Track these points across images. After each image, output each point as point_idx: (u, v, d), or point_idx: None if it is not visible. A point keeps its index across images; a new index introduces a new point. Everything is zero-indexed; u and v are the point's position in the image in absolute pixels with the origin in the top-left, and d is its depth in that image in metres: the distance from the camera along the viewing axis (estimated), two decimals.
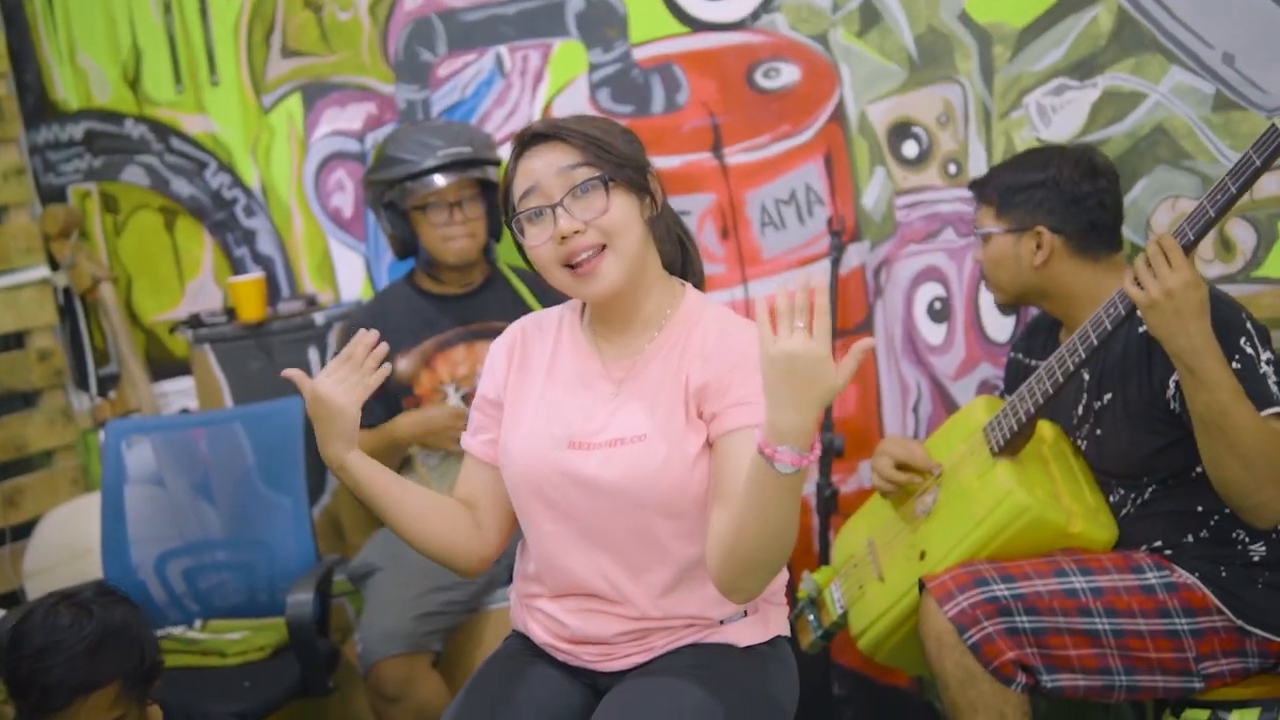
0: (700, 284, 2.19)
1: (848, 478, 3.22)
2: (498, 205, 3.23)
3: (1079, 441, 2.54)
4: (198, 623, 3.28)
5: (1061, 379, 2.35)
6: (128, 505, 3.38)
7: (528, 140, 2.02)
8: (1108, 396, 2.45)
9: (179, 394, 3.95)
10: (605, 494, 1.99)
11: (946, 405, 3.11)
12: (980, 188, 2.65)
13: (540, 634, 2.12)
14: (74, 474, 4.01)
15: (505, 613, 3.19)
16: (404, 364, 3.26)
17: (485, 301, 3.32)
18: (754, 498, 1.76)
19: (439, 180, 3.17)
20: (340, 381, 2.04)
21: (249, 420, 3.34)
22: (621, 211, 1.98)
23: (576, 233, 1.95)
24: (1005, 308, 2.87)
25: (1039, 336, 2.71)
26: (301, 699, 3.02)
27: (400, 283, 3.39)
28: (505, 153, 2.11)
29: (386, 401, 3.25)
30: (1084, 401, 2.51)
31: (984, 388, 3.07)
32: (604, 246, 1.97)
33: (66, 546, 3.71)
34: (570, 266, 1.97)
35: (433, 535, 2.11)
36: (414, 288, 3.35)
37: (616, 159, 1.98)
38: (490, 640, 3.18)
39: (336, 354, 3.32)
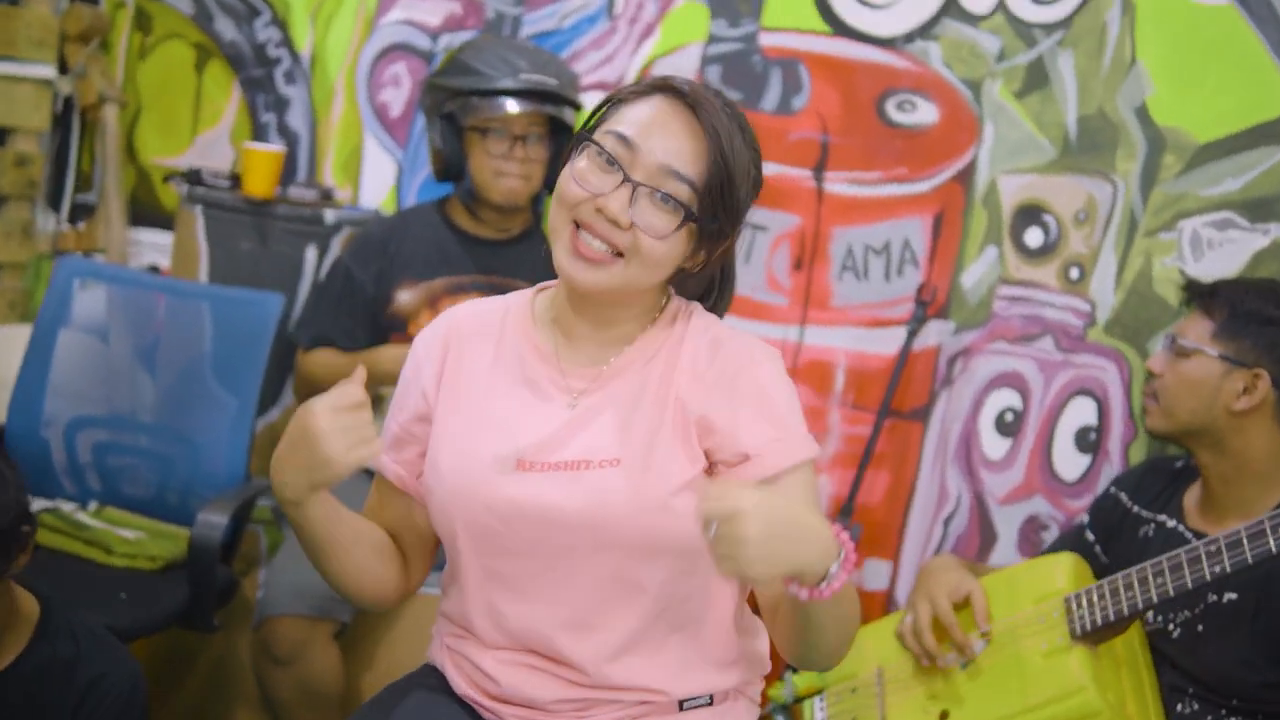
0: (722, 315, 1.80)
1: (856, 573, 2.83)
2: (563, 155, 2.86)
3: (1172, 628, 2.15)
4: (92, 504, 2.88)
5: (1191, 585, 1.97)
6: (58, 351, 2.97)
7: (668, 89, 1.63)
8: (1231, 596, 2.07)
9: (153, 248, 3.54)
10: (563, 527, 1.60)
11: (983, 529, 2.73)
12: (1205, 296, 2.24)
13: (461, 684, 1.73)
14: (15, 297, 3.59)
15: (431, 601, 2.80)
16: (406, 297, 2.86)
17: (517, 256, 2.92)
18: (809, 621, 1.50)
19: (511, 105, 2.77)
20: (344, 431, 1.55)
21: (220, 302, 2.92)
22: (669, 250, 1.60)
23: (614, 223, 1.57)
24: (1158, 436, 2.31)
25: (1156, 484, 2.33)
26: (179, 628, 2.61)
27: (430, 207, 2.99)
28: (590, 103, 1.70)
29: (374, 329, 2.86)
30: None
31: (1031, 525, 2.69)
32: (622, 255, 1.59)
33: None
34: (576, 228, 1.61)
35: (358, 571, 1.70)
36: (443, 217, 2.95)
37: (723, 207, 1.61)
38: (406, 628, 2.79)
39: (337, 266, 3.03)
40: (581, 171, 1.60)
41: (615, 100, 1.66)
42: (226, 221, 3.05)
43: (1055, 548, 2.40)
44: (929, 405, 2.81)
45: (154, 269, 3.56)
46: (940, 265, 2.79)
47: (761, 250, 2.93)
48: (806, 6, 2.87)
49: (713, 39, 2.97)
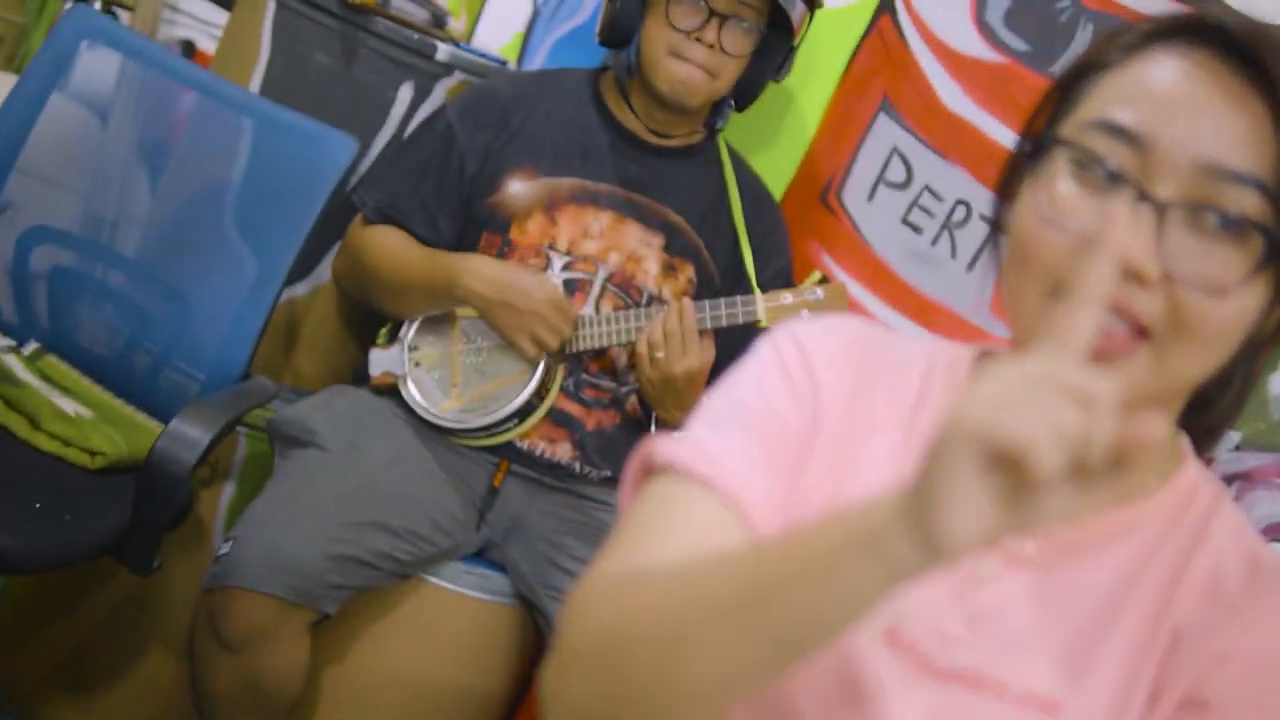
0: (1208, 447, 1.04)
1: None
2: (769, 65, 2.07)
3: None
4: (30, 345, 2.12)
5: None
6: (40, 122, 2.20)
7: (1192, 30, 0.87)
8: None
9: (195, 23, 2.72)
10: None
11: None
12: None
13: None
14: (5, 33, 2.76)
15: (446, 594, 2.08)
16: (518, 189, 2.09)
17: (672, 174, 2.16)
18: None
19: None
20: None
21: (268, 125, 2.13)
22: (1240, 311, 0.85)
23: (1139, 283, 0.82)
24: None
25: None
26: (100, 559, 1.87)
27: (581, 76, 2.20)
28: None
29: (462, 217, 2.09)
30: None
31: None
32: (1149, 335, 0.84)
33: None
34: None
35: None
36: (595, 95, 2.17)
37: None
38: (406, 624, 2.06)
39: (436, 122, 2.16)
40: (1062, 200, 0.85)
41: (1088, 69, 0.90)
42: (305, 20, 2.24)
43: None
44: None
45: (188, 47, 2.75)
46: None
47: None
48: None
49: None
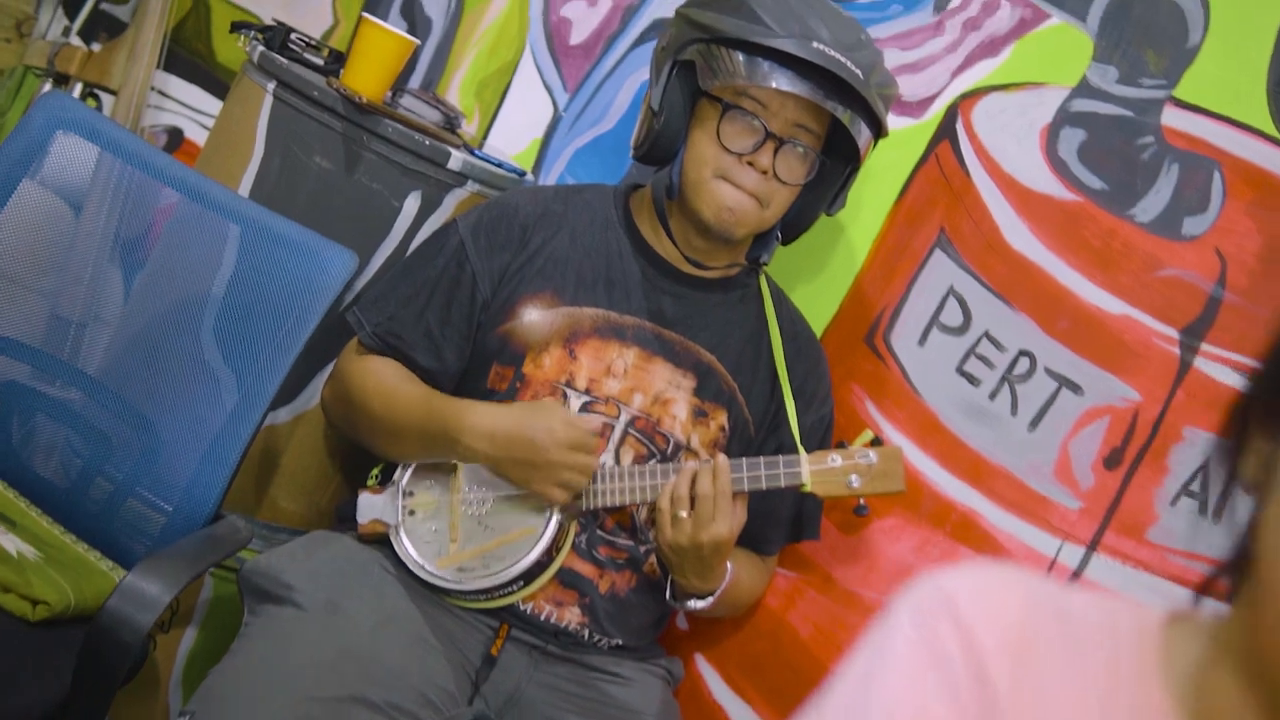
0: None
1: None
2: (823, 196, 1.86)
3: None
4: None
5: None
6: (7, 209, 1.98)
7: None
8: None
9: (184, 113, 2.50)
10: None
11: None
12: None
13: None
14: None
15: None
16: (535, 317, 1.87)
17: (707, 309, 1.94)
18: None
19: (785, 82, 1.76)
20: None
21: (257, 232, 1.90)
22: None
23: None
24: None
25: None
26: None
27: (609, 195, 1.99)
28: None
29: (469, 346, 1.88)
30: None
31: None
32: None
33: None
34: None
35: None
36: (624, 215, 1.95)
37: None
38: None
39: (446, 239, 1.91)
40: None
41: None
42: (304, 119, 2.02)
43: None
44: None
45: (175, 136, 2.53)
46: None
47: (1063, 419, 1.94)
48: (1253, 90, 1.87)
49: (1087, 89, 1.97)
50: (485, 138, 2.36)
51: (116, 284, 2.03)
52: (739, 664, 2.14)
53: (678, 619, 2.15)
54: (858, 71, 1.78)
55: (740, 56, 1.78)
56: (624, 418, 1.88)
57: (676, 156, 1.86)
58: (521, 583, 1.82)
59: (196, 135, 2.64)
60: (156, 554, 1.64)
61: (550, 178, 2.33)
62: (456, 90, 2.40)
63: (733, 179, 1.82)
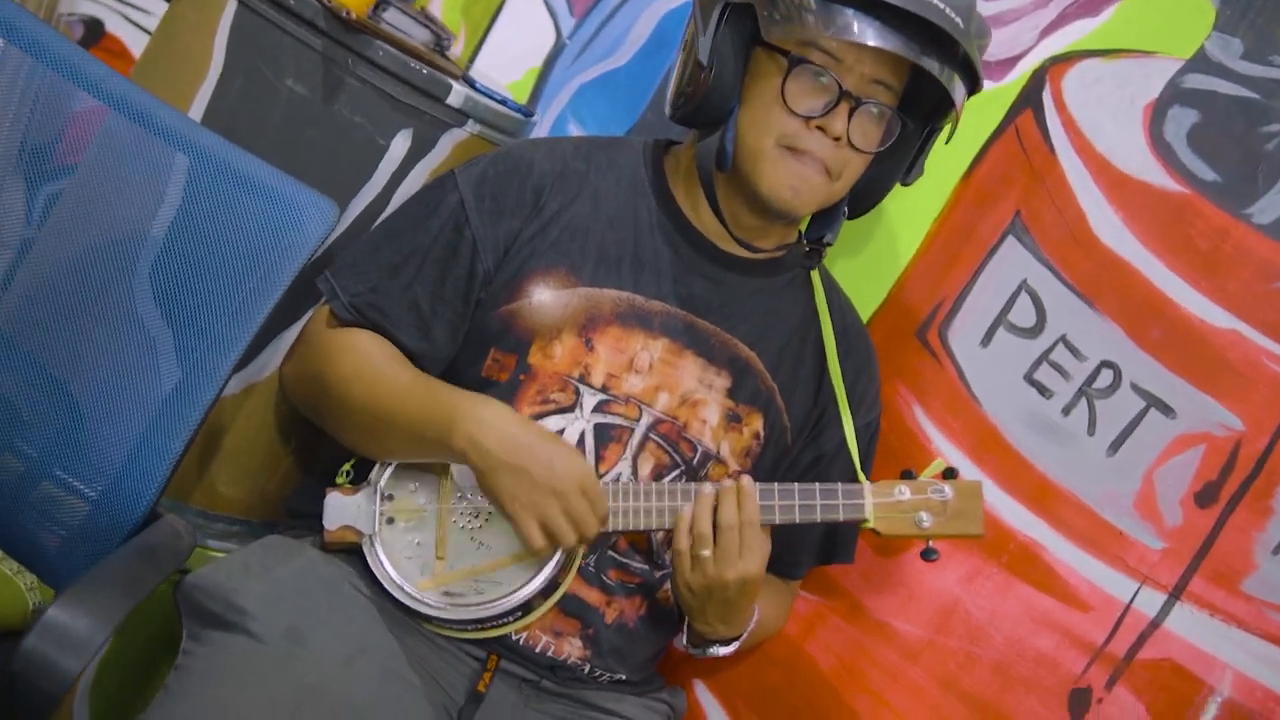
0: None
1: None
2: (898, 163, 1.56)
3: None
4: None
5: None
6: None
7: None
8: None
9: (117, 8, 2.13)
10: None
11: None
12: None
13: None
14: None
15: None
16: (545, 298, 1.57)
17: (748, 295, 1.66)
18: None
19: (873, 35, 1.45)
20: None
21: (211, 168, 1.54)
22: None
23: None
24: None
25: None
26: None
27: (638, 153, 1.67)
28: None
29: (463, 326, 1.56)
30: None
31: None
32: None
33: None
34: None
35: None
36: (656, 180, 1.64)
37: None
38: None
39: (442, 193, 1.54)
40: None
41: None
42: (276, 31, 1.66)
43: None
44: None
45: (93, 28, 2.15)
46: None
47: (1149, 444, 1.68)
48: None
49: (1204, 63, 1.69)
50: (471, 62, 2.02)
51: (18, 197, 1.67)
52: (747, 697, 1.87)
53: (676, 643, 1.86)
54: (957, 20, 1.47)
55: (817, 4, 1.46)
56: (645, 421, 1.58)
57: (729, 120, 1.54)
58: (520, 613, 1.52)
59: (121, 30, 2.27)
60: (83, 580, 1.31)
61: (547, 119, 2.00)
62: (441, 2, 2.05)
63: (800, 146, 1.51)
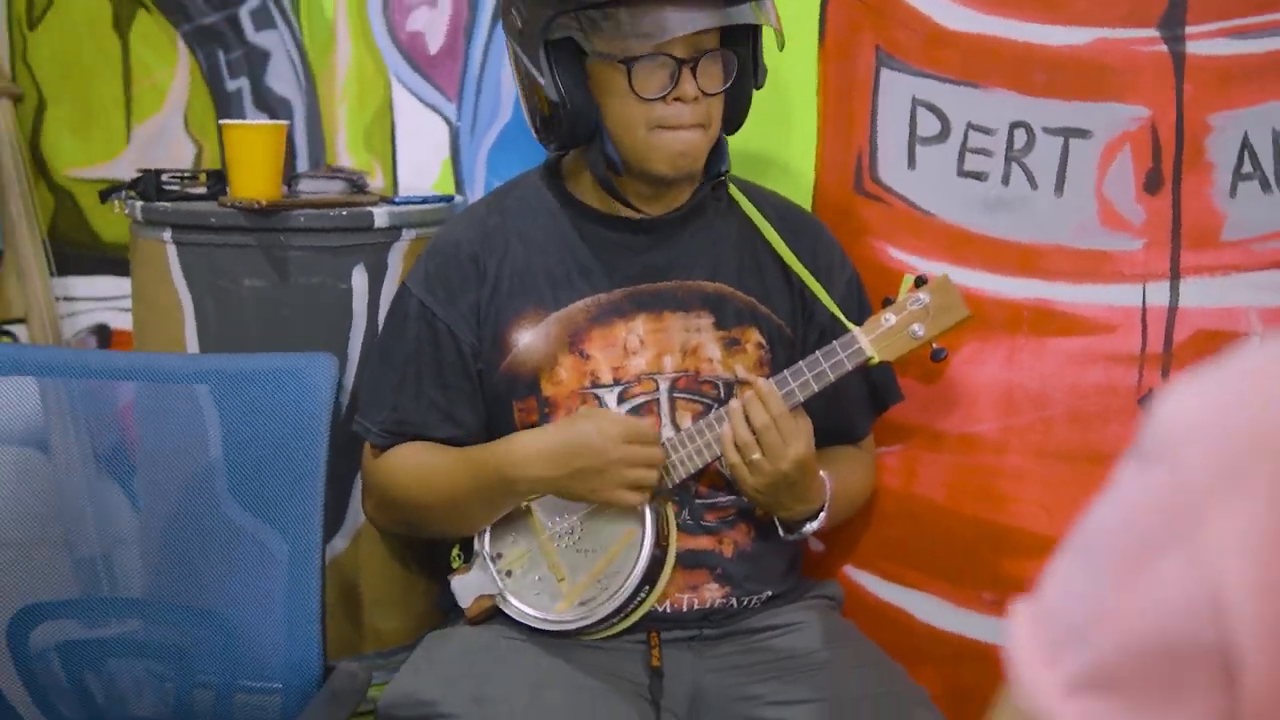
0: None
1: None
2: (746, 79, 1.73)
3: None
4: None
5: None
6: None
7: None
8: None
9: (99, 305, 2.38)
10: None
11: None
12: None
13: None
14: None
15: None
16: (529, 339, 1.75)
17: (689, 241, 1.83)
18: None
19: (684, 24, 1.64)
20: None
21: (225, 381, 1.77)
22: None
23: None
24: None
25: None
26: None
27: (535, 182, 1.85)
28: None
29: (479, 399, 1.76)
30: None
31: None
32: None
33: None
34: None
35: None
36: (560, 194, 1.82)
37: None
38: None
39: (404, 307, 1.74)
40: None
41: None
42: (215, 250, 1.89)
43: None
44: None
45: (102, 332, 2.41)
46: None
47: (1085, 168, 1.81)
48: None
49: None
50: (396, 184, 2.23)
51: (120, 499, 1.91)
52: (888, 556, 2.03)
53: (810, 545, 2.03)
54: None
55: (622, 13, 1.65)
56: (664, 386, 1.77)
57: (597, 132, 1.72)
58: (648, 587, 1.70)
59: (123, 322, 2.52)
60: None
61: (478, 189, 2.20)
62: (345, 152, 2.27)
63: (669, 123, 1.69)
